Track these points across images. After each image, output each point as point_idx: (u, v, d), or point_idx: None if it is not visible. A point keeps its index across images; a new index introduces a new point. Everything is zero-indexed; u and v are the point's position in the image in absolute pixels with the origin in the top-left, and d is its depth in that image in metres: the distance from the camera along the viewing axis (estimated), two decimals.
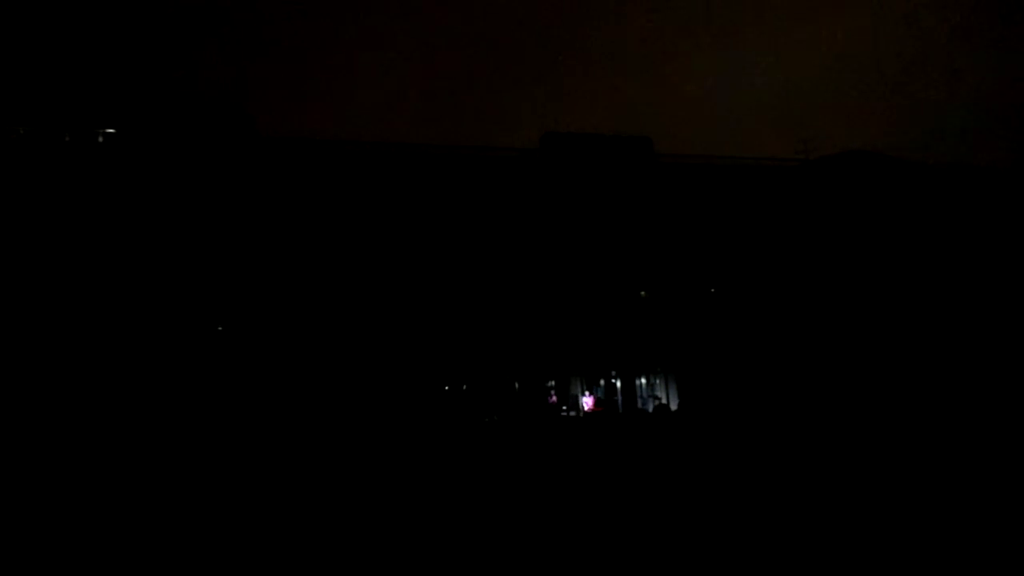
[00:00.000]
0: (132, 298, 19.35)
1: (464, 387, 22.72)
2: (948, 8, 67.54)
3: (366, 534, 7.93)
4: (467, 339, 22.13)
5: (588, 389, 23.74)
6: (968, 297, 25.41)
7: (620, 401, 23.83)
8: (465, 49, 64.73)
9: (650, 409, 23.13)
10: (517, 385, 23.09)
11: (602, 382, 24.29)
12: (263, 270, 20.64)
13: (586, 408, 22.87)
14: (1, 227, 18.68)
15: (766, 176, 26.08)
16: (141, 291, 19.45)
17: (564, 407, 23.01)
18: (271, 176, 21.38)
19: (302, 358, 20.23)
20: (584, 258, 23.50)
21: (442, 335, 21.87)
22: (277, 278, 20.70)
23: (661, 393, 24.15)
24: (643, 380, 24.66)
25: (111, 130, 20.46)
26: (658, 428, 17.75)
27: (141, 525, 8.49)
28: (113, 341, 18.88)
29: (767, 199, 25.57)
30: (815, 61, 63.03)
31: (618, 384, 24.27)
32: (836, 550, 6.56)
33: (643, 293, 24.27)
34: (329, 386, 20.06)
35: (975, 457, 11.99)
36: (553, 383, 23.42)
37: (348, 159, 22.21)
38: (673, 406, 23.34)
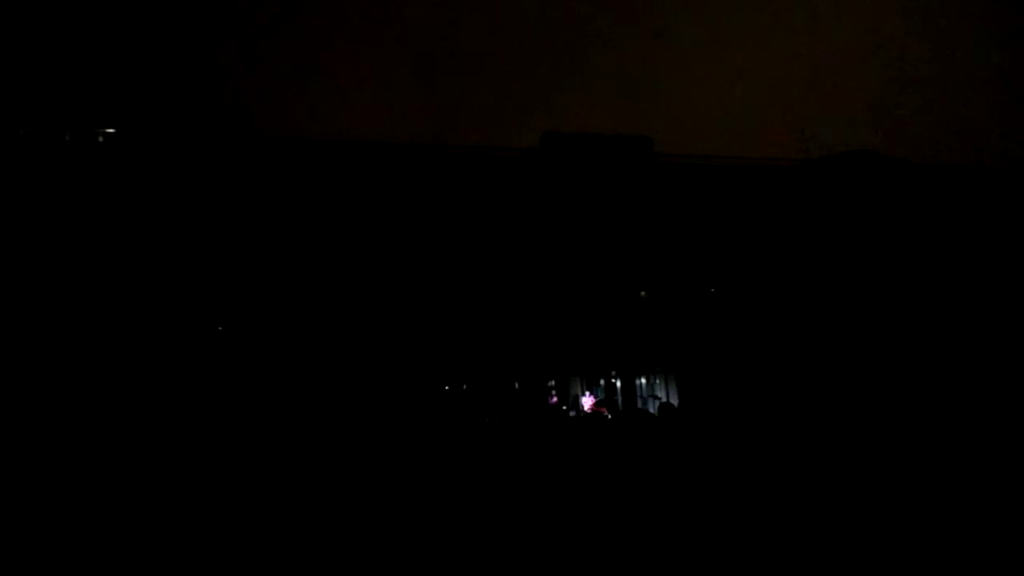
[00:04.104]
0: (133, 298, 19.36)
1: (464, 387, 22.72)
2: (949, 8, 67.55)
3: (366, 534, 7.93)
4: (467, 339, 22.16)
5: (588, 389, 23.76)
6: (969, 297, 25.43)
7: (620, 401, 23.85)
8: (465, 48, 64.72)
9: (651, 408, 23.12)
10: (517, 385, 23.10)
11: (602, 382, 24.31)
12: (263, 270, 20.66)
13: (586, 408, 22.88)
14: (1, 227, 18.70)
15: (766, 176, 26.09)
16: (142, 291, 19.47)
17: (564, 407, 23.04)
18: (273, 176, 21.40)
19: (302, 358, 20.26)
20: (584, 258, 23.52)
21: (442, 335, 21.90)
22: (277, 278, 20.73)
23: (661, 393, 24.15)
24: (643, 380, 24.68)
25: (111, 130, 20.47)
26: (666, 427, 17.72)
27: (140, 525, 8.49)
28: (114, 341, 18.89)
29: (767, 199, 25.58)
30: (815, 61, 63.07)
31: (618, 384, 24.28)
32: (843, 550, 6.56)
33: (643, 293, 24.28)
34: (329, 386, 20.09)
35: (977, 457, 12.00)
36: (553, 383, 23.44)
37: (348, 159, 22.23)
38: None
